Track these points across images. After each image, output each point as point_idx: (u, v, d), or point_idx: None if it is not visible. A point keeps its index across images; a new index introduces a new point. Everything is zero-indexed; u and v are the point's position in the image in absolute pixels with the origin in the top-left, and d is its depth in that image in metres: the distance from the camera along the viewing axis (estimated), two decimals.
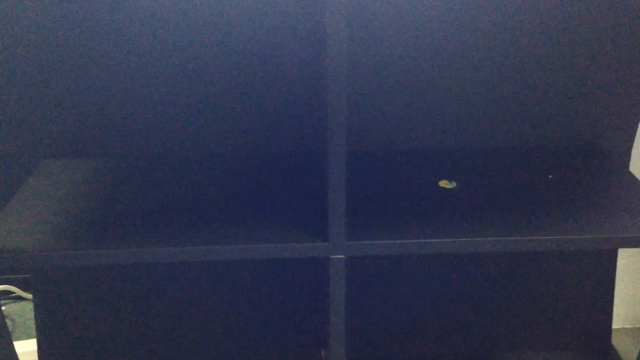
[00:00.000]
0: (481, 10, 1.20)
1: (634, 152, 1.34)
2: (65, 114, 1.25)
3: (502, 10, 1.20)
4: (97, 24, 1.19)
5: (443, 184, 1.16)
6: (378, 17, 1.20)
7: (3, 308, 1.48)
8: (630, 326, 1.59)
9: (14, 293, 1.71)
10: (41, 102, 1.24)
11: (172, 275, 1.39)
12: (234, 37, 1.21)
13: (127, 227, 1.05)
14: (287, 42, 1.22)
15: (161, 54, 1.22)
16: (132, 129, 1.28)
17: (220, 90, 1.25)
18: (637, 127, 1.32)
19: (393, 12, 1.20)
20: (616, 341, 1.51)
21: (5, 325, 1.12)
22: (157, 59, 1.23)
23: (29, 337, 1.55)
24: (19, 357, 1.15)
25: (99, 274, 1.38)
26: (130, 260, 0.99)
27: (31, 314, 1.53)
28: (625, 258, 1.49)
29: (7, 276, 1.70)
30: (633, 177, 1.19)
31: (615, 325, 1.52)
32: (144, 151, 1.30)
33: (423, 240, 1.00)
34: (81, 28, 1.19)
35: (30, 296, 1.63)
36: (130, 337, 1.43)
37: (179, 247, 0.99)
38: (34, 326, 1.40)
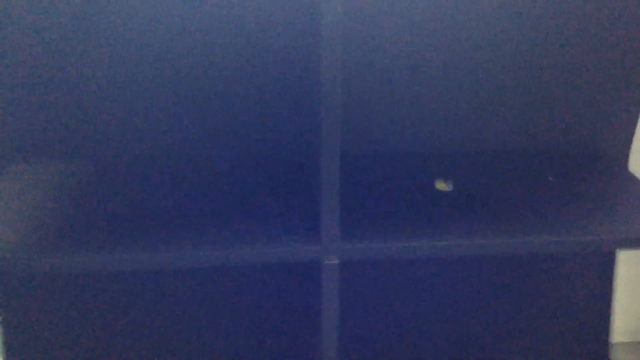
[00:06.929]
0: (479, 12, 1.20)
1: (632, 154, 1.34)
2: (35, 116, 1.21)
3: (501, 13, 1.20)
4: (78, 21, 1.16)
5: (440, 186, 1.14)
6: (373, 18, 1.19)
7: None
8: (628, 340, 1.58)
9: None
10: (12, 104, 1.20)
11: (157, 281, 1.34)
12: (226, 39, 1.20)
13: (102, 232, 1.00)
14: (281, 44, 1.20)
15: (148, 55, 1.19)
16: (113, 132, 1.24)
17: (213, 92, 1.23)
18: (635, 129, 1.32)
19: (389, 12, 1.19)
20: (615, 356, 1.50)
21: None
22: (143, 59, 1.19)
23: None
24: None
25: (70, 289, 1.32)
26: (109, 268, 0.95)
27: None
28: (624, 270, 1.47)
29: None
30: (632, 178, 1.19)
31: (614, 339, 1.51)
32: (127, 154, 1.26)
33: (419, 243, 0.99)
34: (59, 26, 1.16)
35: None
36: (112, 350, 1.38)
37: (164, 253, 0.96)
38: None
